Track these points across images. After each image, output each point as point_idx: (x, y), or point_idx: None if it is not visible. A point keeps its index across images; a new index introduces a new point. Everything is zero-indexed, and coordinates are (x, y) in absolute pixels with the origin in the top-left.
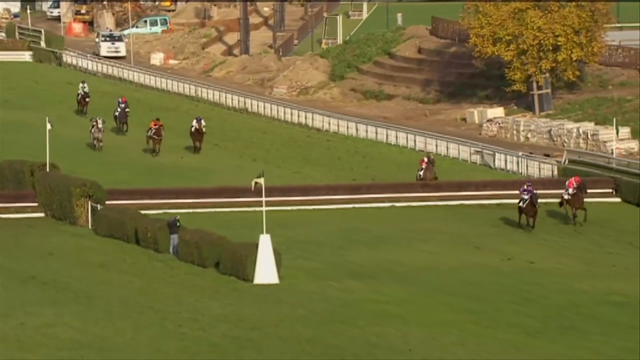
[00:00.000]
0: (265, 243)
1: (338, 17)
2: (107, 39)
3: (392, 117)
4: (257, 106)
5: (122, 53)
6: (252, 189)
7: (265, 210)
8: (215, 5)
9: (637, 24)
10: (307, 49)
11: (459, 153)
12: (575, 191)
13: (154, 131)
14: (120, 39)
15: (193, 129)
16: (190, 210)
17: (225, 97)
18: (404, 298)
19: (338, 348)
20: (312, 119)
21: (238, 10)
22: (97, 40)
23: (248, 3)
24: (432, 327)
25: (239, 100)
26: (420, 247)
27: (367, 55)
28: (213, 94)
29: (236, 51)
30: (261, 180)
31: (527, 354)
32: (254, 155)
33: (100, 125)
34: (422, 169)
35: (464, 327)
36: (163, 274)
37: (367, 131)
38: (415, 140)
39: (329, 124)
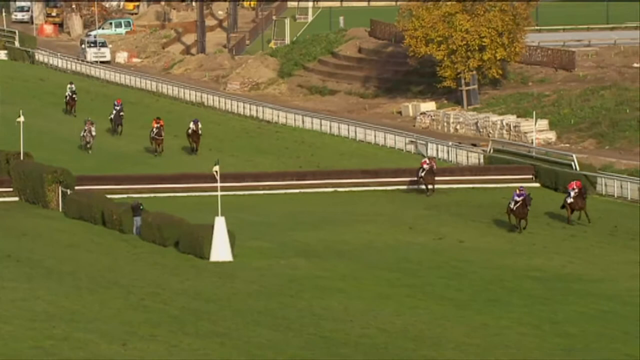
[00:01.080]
0: (220, 224)
1: (286, 19)
2: (93, 45)
3: (335, 110)
4: (213, 100)
5: (107, 58)
6: (216, 175)
7: (220, 195)
8: (174, 9)
9: (554, 27)
10: (258, 48)
11: (395, 143)
12: (576, 194)
13: (155, 132)
14: (104, 44)
15: (190, 130)
16: (152, 195)
17: (184, 92)
18: (346, 273)
19: (286, 319)
20: (263, 112)
21: (195, 13)
22: (83, 46)
23: (204, 7)
24: (371, 300)
25: (196, 95)
26: (361, 227)
27: (312, 54)
28: (172, 90)
29: (193, 50)
30: (217, 168)
31: (457, 324)
32: (210, 145)
33: (93, 133)
34: (423, 170)
35: (400, 299)
36: (127, 252)
37: (312, 123)
38: (355, 132)
39: (278, 116)
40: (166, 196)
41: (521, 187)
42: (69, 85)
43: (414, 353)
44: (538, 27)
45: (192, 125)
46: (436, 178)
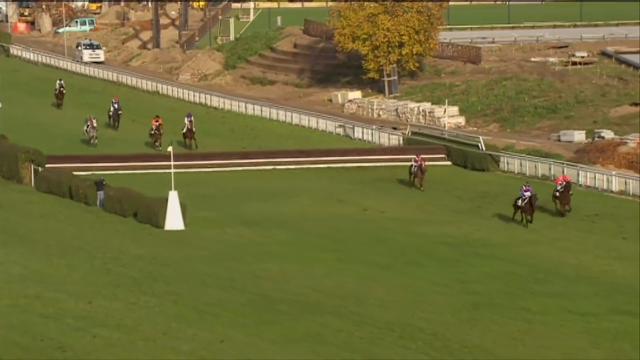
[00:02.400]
0: (173, 198)
1: (230, 19)
2: (88, 47)
3: (273, 98)
4: (166, 89)
5: (101, 59)
6: (169, 154)
7: (173, 172)
8: (132, 9)
9: (463, 26)
10: (206, 44)
11: (326, 126)
12: (562, 189)
13: (154, 128)
14: (99, 47)
15: (185, 129)
16: (113, 172)
17: (141, 82)
18: (283, 240)
19: (231, 280)
20: (210, 99)
21: (151, 13)
22: (79, 48)
23: (158, 7)
24: (306, 263)
25: (152, 85)
26: (297, 200)
27: (253, 49)
28: (131, 80)
29: (149, 46)
30: (170, 148)
31: (380, 284)
32: (164, 128)
33: (95, 125)
34: (415, 166)
35: (330, 263)
36: (92, 222)
37: (254, 109)
38: (292, 117)
39: (224, 103)
40: (126, 173)
41: (527, 183)
42: (58, 81)
43: (342, 309)
44: (449, 26)
45: (186, 121)
46: (361, 157)
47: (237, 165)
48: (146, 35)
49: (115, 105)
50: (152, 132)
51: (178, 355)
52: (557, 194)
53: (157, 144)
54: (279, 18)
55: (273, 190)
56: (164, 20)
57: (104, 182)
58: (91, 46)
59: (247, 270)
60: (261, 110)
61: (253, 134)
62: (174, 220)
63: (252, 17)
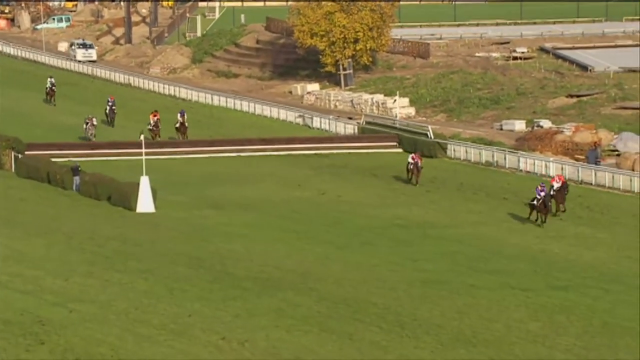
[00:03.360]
0: (144, 182)
1: (197, 17)
2: (82, 46)
3: (238, 90)
4: (138, 82)
5: (94, 57)
6: (140, 142)
7: (145, 159)
8: (105, 7)
9: (413, 24)
10: (175, 40)
11: (286, 116)
12: (558, 189)
13: (153, 123)
14: (92, 46)
15: (178, 124)
16: (89, 159)
17: (114, 75)
18: (247, 222)
19: (199, 259)
20: (179, 91)
21: (123, 11)
22: (73, 47)
23: (130, 5)
24: (268, 243)
25: (124, 78)
26: (260, 185)
27: (219, 45)
28: (105, 73)
29: (122, 41)
30: (142, 137)
31: (337, 262)
32: (136, 118)
33: (95, 123)
34: (411, 164)
35: (290, 243)
36: (68, 205)
37: (219, 100)
38: (255, 107)
39: (191, 95)
40: (100, 160)
41: (542, 184)
42: (49, 79)
43: (302, 285)
44: (400, 24)
45: (179, 117)
46: (319, 145)
47: (203, 152)
48: (119, 31)
49: (110, 103)
50: (150, 127)
51: (149, 328)
52: (553, 192)
53: (154, 138)
54: (242, 16)
55: (237, 176)
56: (135, 18)
57: (80, 168)
58: (84, 46)
59: (214, 250)
60: (226, 102)
61: (218, 124)
62: (145, 203)
63: (217, 15)
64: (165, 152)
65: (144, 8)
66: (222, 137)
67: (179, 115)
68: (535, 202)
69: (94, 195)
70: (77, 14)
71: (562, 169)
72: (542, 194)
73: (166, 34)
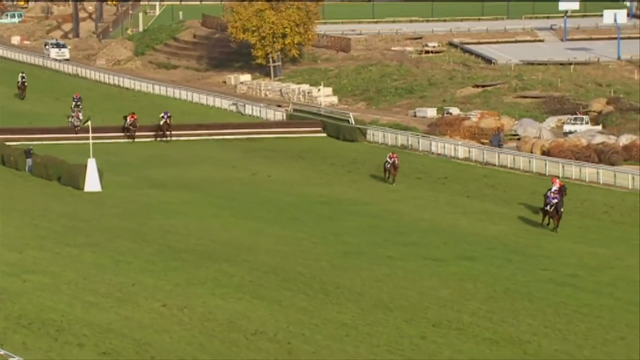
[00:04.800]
0: (91, 164)
1: (139, 13)
2: (55, 46)
3: (177, 80)
4: (85, 73)
5: (67, 56)
6: (87, 127)
7: (92, 143)
8: (55, 4)
9: (336, 20)
10: (119, 34)
11: (221, 104)
12: (556, 191)
13: (130, 122)
14: (64, 46)
15: (162, 122)
16: (40, 143)
17: (63, 67)
18: (186, 200)
19: (142, 234)
20: (123, 81)
21: (71, 8)
22: (47, 47)
23: (78, 3)
24: (205, 219)
25: (72, 69)
26: (197, 167)
27: (159, 39)
28: (55, 65)
29: (70, 36)
30: (89, 122)
31: (267, 236)
32: (84, 106)
33: (80, 117)
34: (388, 163)
35: (226, 218)
36: (22, 185)
37: (160, 89)
38: (192, 96)
39: (134, 85)
40: (51, 143)
41: (555, 190)
42: (20, 74)
43: (235, 257)
44: (324, 21)
45: (164, 115)
46: (251, 130)
47: (146, 137)
48: (67, 26)
49: (76, 100)
50: (127, 125)
51: (96, 296)
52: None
53: (132, 137)
54: (180, 13)
55: (177, 158)
56: (82, 14)
57: (32, 151)
58: (57, 45)
59: (155, 225)
60: (166, 91)
61: (159, 111)
62: (92, 183)
63: (157, 12)
64: (110, 136)
65: (90, 5)
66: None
67: (163, 113)
68: (548, 207)
69: (45, 175)
70: (28, 11)
71: (469, 151)
72: (554, 200)
73: (111, 29)
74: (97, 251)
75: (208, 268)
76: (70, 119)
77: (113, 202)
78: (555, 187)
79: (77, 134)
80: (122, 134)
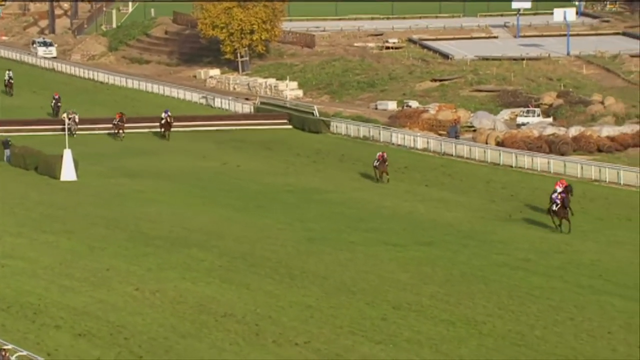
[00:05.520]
0: (67, 155)
1: (113, 10)
2: (42, 44)
3: (149, 74)
4: (61, 67)
5: (54, 54)
6: (64, 119)
7: (67, 134)
8: (32, 1)
9: (301, 17)
10: (93, 31)
11: (192, 97)
12: (563, 190)
13: (117, 120)
14: (51, 44)
15: (163, 121)
16: (18, 134)
17: (40, 61)
18: (158, 189)
19: (115, 220)
20: (97, 75)
21: (47, 5)
22: (34, 45)
23: (54, 0)
24: (176, 206)
25: (49, 63)
26: (169, 157)
27: (132, 35)
28: (32, 59)
29: (46, 31)
30: (65, 115)
31: (236, 223)
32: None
33: (77, 119)
34: (377, 161)
35: (196, 207)
36: (0, 175)
37: (133, 83)
38: (164, 89)
39: (109, 79)
40: (29, 134)
41: (562, 192)
42: (7, 72)
43: (205, 243)
44: (290, 18)
45: (164, 115)
46: (221, 122)
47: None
48: (43, 23)
49: (56, 98)
50: (116, 122)
51: (72, 280)
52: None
53: (120, 134)
54: (152, 10)
55: (150, 149)
56: (58, 11)
57: (10, 142)
58: (45, 44)
59: (129, 213)
60: (139, 84)
61: (132, 104)
62: (68, 172)
63: (130, 9)
64: (85, 128)
65: (66, 2)
66: (136, 115)
67: (163, 113)
68: (554, 207)
69: (23, 165)
70: (6, 8)
71: (427, 142)
72: (560, 200)
73: (85, 26)
74: (72, 238)
75: (179, 253)
76: (68, 122)
77: (88, 190)
78: (559, 189)
79: (73, 136)
80: (95, 125)
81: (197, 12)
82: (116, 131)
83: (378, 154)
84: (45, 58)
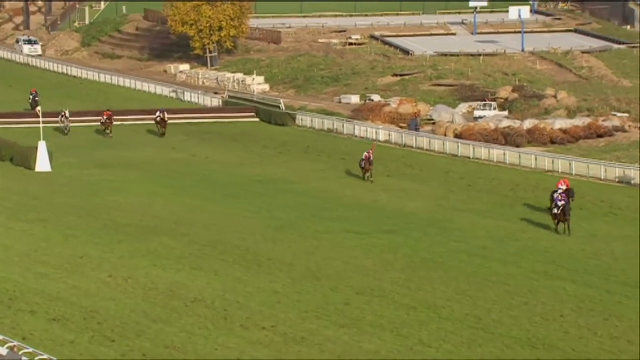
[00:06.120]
0: (42, 146)
1: (86, 7)
2: (28, 42)
3: (121, 69)
4: (36, 62)
5: (39, 52)
6: (39, 113)
7: (42, 127)
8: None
9: (268, 15)
10: (67, 27)
11: (162, 91)
12: (564, 191)
13: (106, 118)
14: (36, 42)
15: (159, 118)
16: None
17: (15, 56)
18: (130, 179)
19: (88, 210)
20: (71, 70)
21: (22, 2)
22: (19, 43)
23: None
24: (147, 196)
25: (24, 59)
26: (141, 149)
27: (104, 31)
28: (7, 54)
29: (21, 28)
30: (39, 109)
31: (205, 212)
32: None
33: (68, 116)
34: (364, 161)
35: (167, 197)
36: None
37: (105, 78)
38: (135, 84)
39: (82, 73)
40: (3, 127)
41: (562, 193)
42: None
43: (176, 232)
44: (257, 15)
45: (159, 114)
46: (190, 115)
47: (92, 121)
48: (19, 19)
49: (33, 94)
50: (104, 120)
51: (47, 267)
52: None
53: (107, 131)
54: (124, 7)
55: (121, 141)
56: (32, 8)
57: None
58: (30, 42)
59: (101, 203)
60: (111, 79)
61: (105, 97)
62: (42, 164)
63: (102, 7)
64: (59, 120)
65: (40, 0)
66: (108, 109)
67: (159, 112)
68: (555, 210)
69: None
70: None
71: (389, 135)
72: (561, 203)
73: (59, 22)
74: (47, 226)
75: (150, 242)
76: (61, 119)
77: (62, 181)
78: (562, 188)
79: (66, 134)
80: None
81: (168, 10)
82: (105, 128)
83: (365, 153)
84: (30, 56)
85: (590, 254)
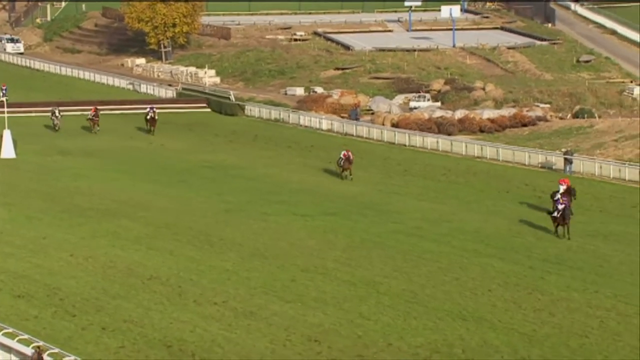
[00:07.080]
0: (7, 135)
1: (47, 5)
2: (10, 41)
3: (81, 63)
4: (4, 57)
5: (22, 50)
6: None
7: (7, 116)
8: None
9: (218, 12)
10: (30, 23)
11: (120, 83)
12: (564, 192)
13: (93, 114)
14: (19, 41)
15: (149, 116)
16: None
17: None
18: (90, 165)
19: (50, 194)
20: (33, 63)
21: None
22: (2, 42)
23: None
24: (107, 181)
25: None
26: (100, 136)
27: (65, 27)
28: None
29: None
30: (5, 98)
31: (160, 196)
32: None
33: (57, 114)
34: (342, 159)
35: (125, 181)
36: None
37: (67, 71)
38: (95, 77)
39: (44, 66)
40: None
41: (564, 198)
42: None
43: (133, 214)
44: (208, 13)
45: (149, 112)
46: (146, 105)
47: (65, 112)
48: None
49: (4, 90)
50: (90, 117)
51: (12, 248)
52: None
53: (94, 128)
54: (83, 5)
55: (82, 130)
56: None
57: None
58: (12, 40)
59: (63, 187)
60: (72, 72)
61: (66, 89)
62: (7, 151)
63: (63, 4)
64: (23, 110)
65: None
66: (69, 100)
67: (149, 109)
68: (556, 214)
69: None
70: None
71: (331, 124)
72: (561, 206)
73: (22, 19)
74: (12, 209)
75: (109, 223)
76: (52, 116)
77: (26, 167)
78: (562, 188)
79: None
80: (32, 108)
81: (125, 7)
82: (91, 125)
83: (343, 152)
84: (11, 54)
85: (515, 233)
